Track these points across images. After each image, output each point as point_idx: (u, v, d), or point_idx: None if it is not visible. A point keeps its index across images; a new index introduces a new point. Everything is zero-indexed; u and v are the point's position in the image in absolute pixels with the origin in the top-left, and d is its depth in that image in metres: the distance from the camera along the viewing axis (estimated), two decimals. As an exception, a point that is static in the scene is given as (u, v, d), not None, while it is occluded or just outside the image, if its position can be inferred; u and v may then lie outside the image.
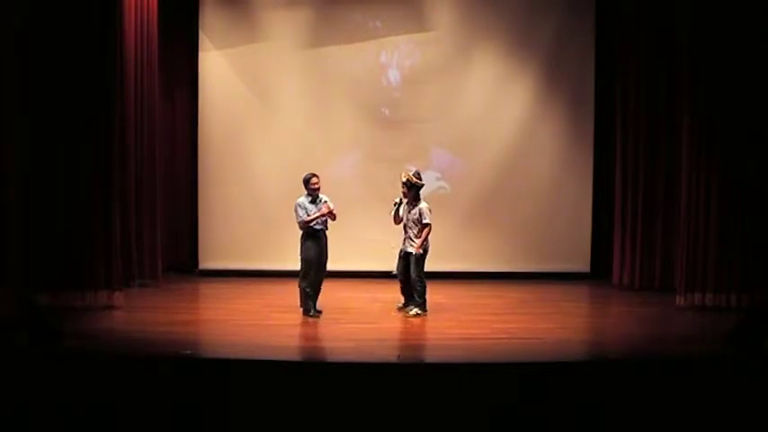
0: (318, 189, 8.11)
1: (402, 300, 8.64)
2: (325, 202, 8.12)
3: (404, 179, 8.29)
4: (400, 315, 8.39)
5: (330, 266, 10.65)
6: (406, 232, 8.40)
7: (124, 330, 7.66)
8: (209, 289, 10.23)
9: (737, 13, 8.48)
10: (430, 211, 8.33)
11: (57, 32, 8.12)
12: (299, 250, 8.17)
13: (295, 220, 8.11)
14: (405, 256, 8.39)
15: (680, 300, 8.81)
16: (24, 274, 7.94)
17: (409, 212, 8.34)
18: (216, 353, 7.06)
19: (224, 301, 9.23)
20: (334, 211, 8.12)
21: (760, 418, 5.67)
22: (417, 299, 8.32)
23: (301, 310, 8.15)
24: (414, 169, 8.57)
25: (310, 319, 8.00)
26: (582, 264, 10.99)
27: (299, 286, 8.15)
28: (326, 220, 8.16)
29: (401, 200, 8.37)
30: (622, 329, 8.19)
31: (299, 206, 8.07)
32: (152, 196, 9.99)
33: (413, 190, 8.31)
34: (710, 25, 8.54)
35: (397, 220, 8.44)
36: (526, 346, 7.09)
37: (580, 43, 10.89)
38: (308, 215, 8.03)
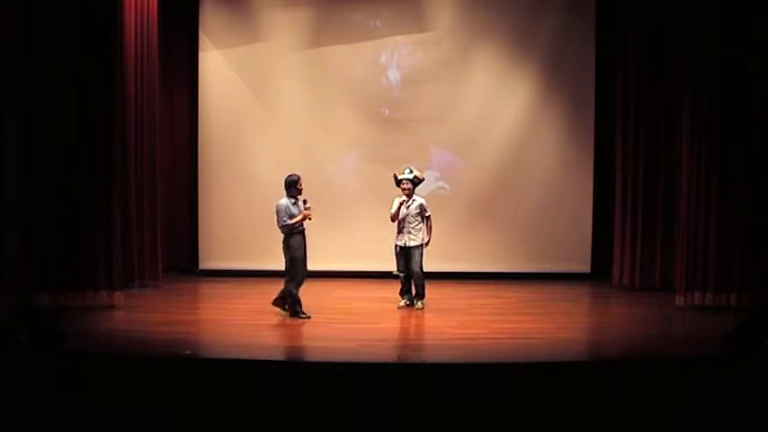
0: (301, 191, 8.11)
1: (401, 300, 8.69)
2: (305, 201, 8.10)
3: (410, 176, 8.56)
4: (401, 314, 8.42)
5: (330, 266, 10.77)
6: (403, 228, 8.61)
7: (124, 330, 7.67)
8: (209, 289, 10.23)
9: (737, 11, 8.47)
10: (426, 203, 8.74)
11: (57, 32, 8.13)
12: (282, 253, 8.11)
13: (288, 221, 8.01)
14: (406, 251, 8.58)
15: (680, 300, 8.80)
16: (24, 274, 7.95)
17: (408, 208, 8.59)
18: (216, 353, 7.06)
19: (224, 301, 9.23)
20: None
21: (760, 418, 5.67)
22: (421, 292, 8.62)
23: (279, 309, 8.14)
24: (408, 167, 8.80)
25: (299, 320, 7.99)
26: (582, 264, 10.99)
27: (287, 289, 8.08)
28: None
29: (403, 198, 8.62)
30: (622, 329, 8.19)
31: (284, 208, 7.99)
32: (152, 196, 9.99)
33: (415, 186, 8.64)
34: (710, 24, 8.53)
35: (396, 217, 8.62)
36: (526, 346, 7.09)
37: (580, 43, 10.88)
38: (292, 217, 8.00)
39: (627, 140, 10.17)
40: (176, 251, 11.19)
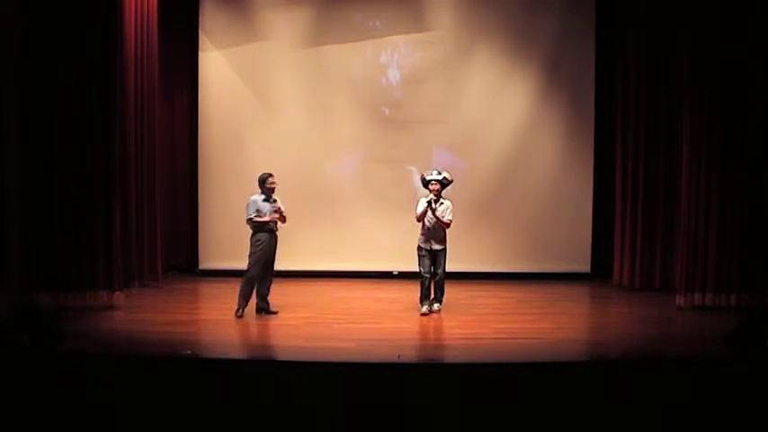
0: (274, 188, 8.17)
1: (423, 306, 8.46)
2: (275, 201, 8.15)
3: (439, 177, 8.41)
4: (401, 314, 8.41)
5: (330, 266, 10.77)
6: (429, 230, 8.43)
7: (124, 330, 7.68)
8: (209, 289, 10.23)
9: (737, 11, 8.47)
10: None
11: (57, 32, 8.13)
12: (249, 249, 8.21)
13: (254, 217, 8.15)
14: (433, 254, 8.44)
15: (680, 300, 8.80)
16: (24, 274, 7.95)
17: (436, 210, 8.39)
18: (216, 353, 7.06)
19: (224, 301, 9.19)
20: (285, 214, 8.18)
21: (760, 418, 5.67)
22: (441, 296, 8.53)
23: (264, 315, 8.25)
24: (435, 169, 8.67)
25: (236, 319, 8.06)
26: (582, 264, 10.98)
27: (242, 282, 8.23)
28: (276, 222, 8.23)
29: (432, 200, 8.40)
30: (622, 329, 8.20)
31: (252, 203, 8.14)
32: (152, 196, 9.99)
33: (443, 188, 8.48)
34: (710, 24, 8.53)
35: (422, 217, 8.44)
36: (526, 346, 7.09)
37: (580, 43, 10.88)
38: (260, 214, 8.08)
39: (627, 140, 10.17)
40: (176, 251, 11.18)
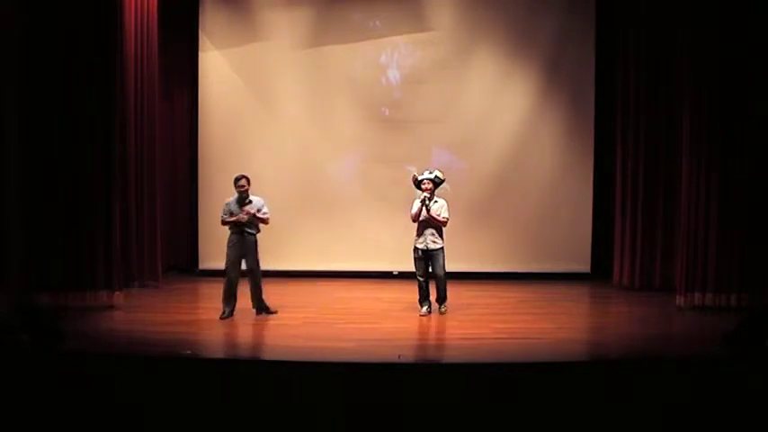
0: (244, 191, 8.07)
1: (422, 308, 8.44)
2: (249, 203, 8.08)
3: (431, 176, 8.34)
4: (401, 314, 8.40)
5: (330, 266, 10.77)
6: (424, 231, 8.35)
7: (124, 330, 7.68)
8: (209, 289, 10.19)
9: (737, 11, 8.47)
10: None
11: (57, 32, 8.14)
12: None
13: (224, 218, 8.19)
14: (428, 254, 8.35)
15: (680, 300, 8.80)
16: (24, 274, 7.96)
17: (431, 209, 8.30)
18: (216, 353, 7.06)
19: (224, 301, 9.22)
20: (263, 216, 8.10)
21: (760, 418, 5.67)
22: (444, 295, 8.45)
23: (265, 314, 8.29)
24: (427, 169, 8.59)
25: (227, 319, 8.07)
26: (582, 264, 10.98)
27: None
28: (257, 224, 8.15)
29: (426, 197, 8.30)
30: (622, 329, 8.20)
31: (225, 204, 8.17)
32: (152, 196, 9.99)
33: (436, 187, 8.39)
34: (710, 24, 8.54)
35: (417, 217, 8.36)
36: (526, 346, 7.09)
37: (580, 43, 10.88)
38: (230, 215, 8.09)
39: (627, 140, 10.18)
40: (176, 251, 11.18)
